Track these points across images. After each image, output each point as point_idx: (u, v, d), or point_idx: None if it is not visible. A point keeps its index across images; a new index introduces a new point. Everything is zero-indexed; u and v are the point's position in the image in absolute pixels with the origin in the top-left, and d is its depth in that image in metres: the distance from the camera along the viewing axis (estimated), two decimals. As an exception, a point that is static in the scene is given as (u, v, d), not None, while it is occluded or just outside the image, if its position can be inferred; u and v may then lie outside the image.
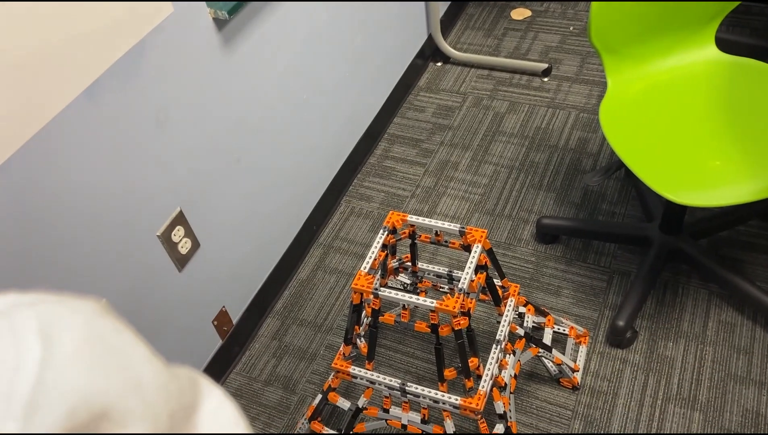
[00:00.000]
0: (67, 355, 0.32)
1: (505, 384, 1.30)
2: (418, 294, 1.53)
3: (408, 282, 1.55)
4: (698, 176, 1.35)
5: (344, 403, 1.38)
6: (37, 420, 0.29)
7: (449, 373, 1.27)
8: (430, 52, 2.42)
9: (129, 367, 0.35)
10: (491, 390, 1.28)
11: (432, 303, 1.17)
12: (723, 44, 1.57)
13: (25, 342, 0.31)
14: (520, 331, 1.38)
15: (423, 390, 1.27)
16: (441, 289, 1.54)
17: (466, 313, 1.19)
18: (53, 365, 0.31)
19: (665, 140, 1.42)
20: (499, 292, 1.37)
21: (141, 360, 0.36)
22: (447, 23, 2.50)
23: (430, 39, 2.39)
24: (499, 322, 1.35)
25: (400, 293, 1.20)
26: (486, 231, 1.28)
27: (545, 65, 2.27)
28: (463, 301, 1.18)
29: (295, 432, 1.47)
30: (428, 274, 1.50)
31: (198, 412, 0.42)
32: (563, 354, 1.53)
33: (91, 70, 1.11)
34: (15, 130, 1.02)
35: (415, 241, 1.42)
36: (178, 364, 0.44)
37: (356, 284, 1.22)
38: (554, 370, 1.54)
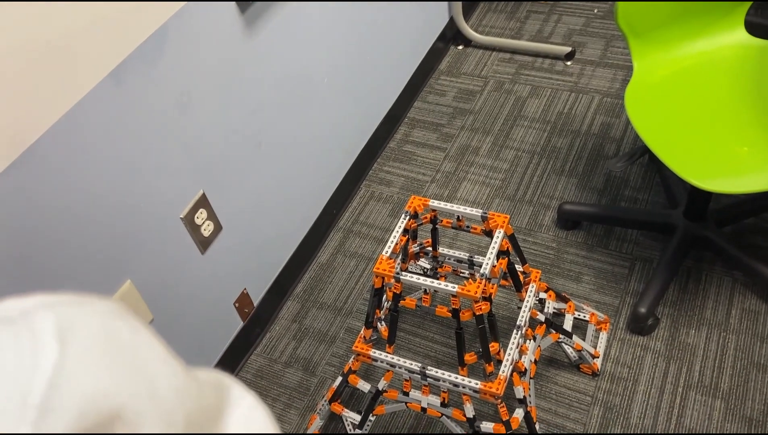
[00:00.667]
0: (82, 357, 0.32)
1: (525, 369, 1.31)
2: (438, 279, 1.53)
3: (428, 267, 1.55)
4: (725, 162, 1.33)
5: (364, 386, 1.39)
6: (49, 422, 0.30)
7: (469, 357, 1.27)
8: (451, 36, 2.40)
9: (144, 368, 0.35)
10: (511, 375, 1.28)
11: (454, 288, 1.17)
12: (752, 28, 1.54)
13: (42, 343, 0.31)
14: (541, 317, 1.38)
15: (443, 374, 1.27)
16: (461, 274, 1.54)
17: (488, 299, 1.19)
18: (67, 367, 0.31)
19: (692, 126, 1.40)
20: (521, 277, 1.37)
21: (157, 361, 0.36)
22: (469, 6, 2.47)
23: (452, 22, 2.36)
24: (519, 308, 1.34)
25: (422, 278, 1.20)
26: (508, 216, 1.27)
27: (568, 49, 2.25)
28: (485, 286, 1.18)
29: (316, 412, 1.49)
30: (449, 259, 1.50)
31: (225, 416, 0.42)
32: (584, 340, 1.53)
33: (115, 53, 1.12)
34: (42, 112, 1.03)
35: (437, 226, 1.41)
36: (205, 368, 0.44)
37: (378, 268, 1.22)
38: (574, 356, 1.53)
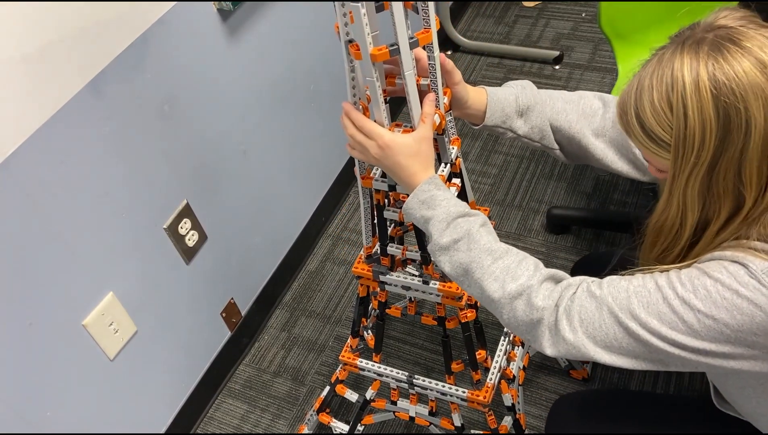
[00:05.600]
0: None
1: (514, 376, 1.29)
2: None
3: (416, 274, 1.54)
4: (711, 165, 1.32)
5: (352, 395, 1.37)
6: None
7: (457, 365, 1.26)
8: (439, 41, 2.39)
9: None
10: (499, 382, 1.27)
11: (438, 296, 1.16)
12: (737, 29, 1.53)
13: None
14: (529, 323, 1.36)
15: (430, 383, 1.26)
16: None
17: (473, 306, 1.18)
18: None
19: (677, 128, 1.39)
20: (508, 283, 1.35)
21: None
22: (457, 11, 2.47)
23: (440, 27, 2.36)
24: (507, 314, 1.33)
25: (409, 277, 1.18)
26: (494, 222, 1.26)
27: (557, 53, 2.24)
28: (470, 293, 1.16)
29: (304, 423, 1.47)
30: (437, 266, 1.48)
31: None
32: (573, 345, 1.52)
33: (94, 62, 1.11)
34: (19, 124, 1.02)
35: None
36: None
37: (356, 268, 1.19)
38: (564, 362, 1.52)
